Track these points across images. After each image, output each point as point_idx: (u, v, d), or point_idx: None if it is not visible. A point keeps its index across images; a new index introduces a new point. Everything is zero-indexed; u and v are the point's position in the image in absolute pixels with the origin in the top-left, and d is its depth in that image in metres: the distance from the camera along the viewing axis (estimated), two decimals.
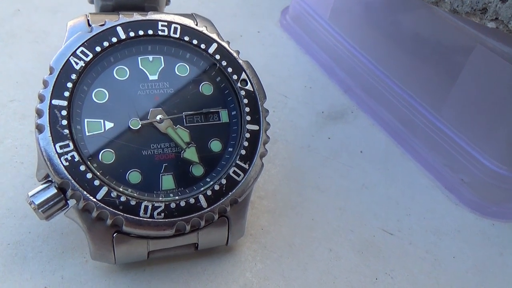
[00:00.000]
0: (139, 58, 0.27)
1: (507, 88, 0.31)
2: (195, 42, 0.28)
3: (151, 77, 0.27)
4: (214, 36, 0.28)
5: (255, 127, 0.27)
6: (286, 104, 0.39)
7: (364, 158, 0.36)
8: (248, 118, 0.27)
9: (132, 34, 0.27)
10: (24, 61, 0.37)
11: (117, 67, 0.27)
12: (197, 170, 0.26)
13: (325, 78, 0.43)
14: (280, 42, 0.46)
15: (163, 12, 0.29)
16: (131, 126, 0.26)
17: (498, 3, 0.28)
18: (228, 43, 0.29)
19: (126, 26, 0.27)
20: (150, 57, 0.28)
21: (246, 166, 0.26)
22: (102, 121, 0.26)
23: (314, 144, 0.36)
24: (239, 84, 0.28)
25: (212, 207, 0.25)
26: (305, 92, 0.41)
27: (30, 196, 0.24)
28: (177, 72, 0.28)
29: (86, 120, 0.25)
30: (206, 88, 0.28)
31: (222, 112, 0.28)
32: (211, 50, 0.28)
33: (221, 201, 0.25)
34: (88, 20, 0.27)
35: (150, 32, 0.27)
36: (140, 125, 0.26)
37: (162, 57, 0.28)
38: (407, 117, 0.37)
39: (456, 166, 0.34)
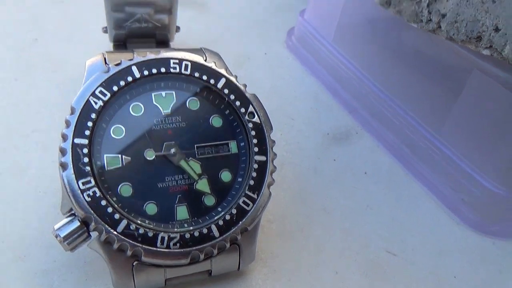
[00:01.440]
0: (153, 94, 0.29)
1: (504, 113, 0.33)
2: (204, 77, 0.29)
3: (164, 112, 0.29)
4: (223, 71, 0.30)
5: (263, 158, 0.29)
6: (293, 126, 0.41)
7: (368, 179, 0.37)
8: (256, 149, 0.29)
9: (146, 72, 0.28)
10: (44, 91, 0.39)
11: (133, 104, 0.28)
12: (209, 200, 0.28)
13: (330, 99, 0.44)
14: (286, 64, 0.47)
15: (174, 49, 0.31)
16: (146, 157, 0.28)
17: (491, 32, 0.29)
18: (236, 77, 0.30)
19: (140, 65, 0.29)
20: (163, 93, 0.29)
21: (255, 196, 0.28)
22: (120, 155, 0.27)
23: (320, 166, 0.38)
24: (247, 117, 0.29)
25: (224, 236, 0.26)
26: (311, 113, 0.42)
27: (56, 230, 0.25)
28: (188, 106, 0.29)
29: (105, 155, 0.27)
30: (216, 121, 0.30)
31: (232, 143, 0.29)
32: (219, 85, 0.30)
33: (232, 230, 0.27)
34: (105, 59, 0.29)
35: (163, 70, 0.29)
36: (154, 156, 0.28)
37: (174, 92, 0.29)
38: (409, 138, 0.39)
39: (457, 186, 0.36)
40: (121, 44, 0.39)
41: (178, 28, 0.41)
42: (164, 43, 0.40)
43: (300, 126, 0.41)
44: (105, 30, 0.40)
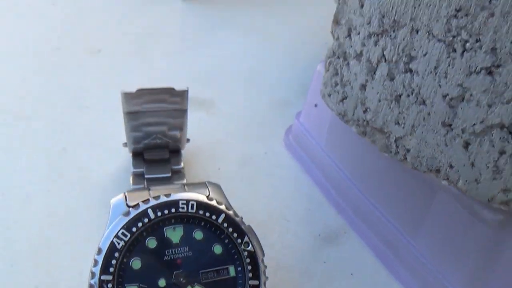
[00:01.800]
0: (165, 228, 0.35)
1: (466, 232, 0.38)
2: (207, 214, 0.35)
3: (174, 243, 0.35)
4: (223, 207, 0.36)
5: (256, 282, 0.35)
6: (289, 228, 0.46)
7: (354, 281, 0.43)
8: (250, 274, 0.35)
9: (159, 214, 0.35)
10: (72, 203, 0.46)
11: (148, 239, 0.34)
12: None
13: (321, 198, 0.50)
14: (285, 163, 0.53)
15: (183, 188, 0.37)
16: (159, 285, 0.33)
17: (447, 168, 0.35)
18: (234, 211, 0.36)
19: (154, 208, 0.35)
20: (173, 227, 0.35)
21: None
22: (138, 284, 0.33)
23: (312, 269, 0.43)
24: (242, 246, 0.35)
25: None
26: (304, 214, 0.48)
27: None
28: (194, 237, 0.35)
29: (126, 285, 0.33)
30: (217, 249, 0.35)
31: (230, 267, 0.35)
32: (220, 220, 0.36)
33: None
34: (126, 197, 0.36)
35: (173, 210, 0.35)
36: (165, 284, 0.34)
37: (182, 226, 0.36)
38: (390, 241, 0.44)
39: None
40: (139, 153, 0.46)
41: (188, 140, 0.48)
42: (176, 152, 0.46)
43: (295, 227, 0.46)
44: (125, 145, 0.47)
